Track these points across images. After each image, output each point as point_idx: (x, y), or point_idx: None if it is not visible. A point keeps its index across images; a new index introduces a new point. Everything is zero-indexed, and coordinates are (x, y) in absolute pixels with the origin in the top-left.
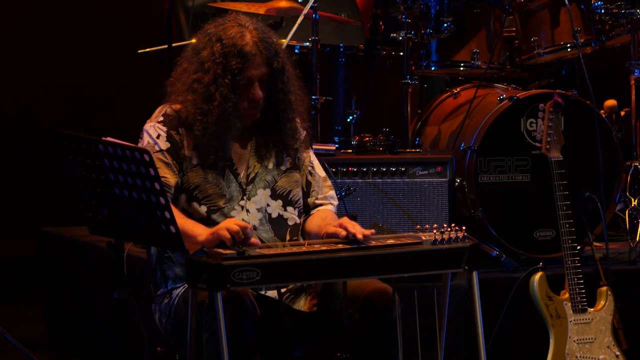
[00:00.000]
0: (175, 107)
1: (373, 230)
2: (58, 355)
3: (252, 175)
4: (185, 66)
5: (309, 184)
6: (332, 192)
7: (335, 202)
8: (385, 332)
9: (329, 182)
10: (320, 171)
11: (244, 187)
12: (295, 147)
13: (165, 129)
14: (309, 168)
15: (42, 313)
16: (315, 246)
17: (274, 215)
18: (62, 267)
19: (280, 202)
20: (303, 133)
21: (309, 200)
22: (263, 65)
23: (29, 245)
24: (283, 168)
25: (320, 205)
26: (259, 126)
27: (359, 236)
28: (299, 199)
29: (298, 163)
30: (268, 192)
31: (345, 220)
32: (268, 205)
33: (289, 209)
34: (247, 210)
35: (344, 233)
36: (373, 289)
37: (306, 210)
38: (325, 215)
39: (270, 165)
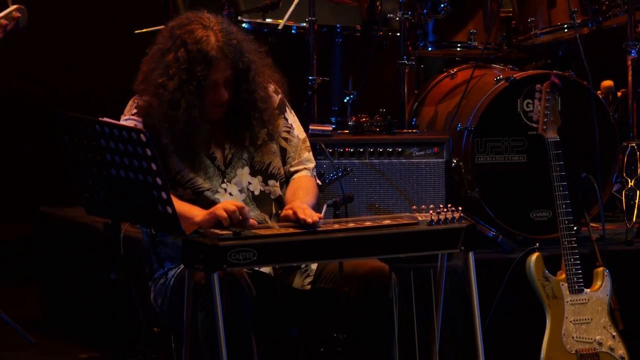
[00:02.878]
0: (145, 99)
1: (321, 215)
2: (55, 335)
3: (229, 156)
4: (151, 66)
5: (283, 151)
6: (308, 154)
7: (311, 165)
8: (381, 311)
9: (307, 143)
10: (300, 132)
11: (223, 169)
12: (271, 121)
13: (140, 119)
14: (284, 133)
15: (40, 294)
16: (275, 230)
17: (257, 192)
18: (59, 247)
19: (260, 177)
20: (277, 99)
21: (285, 168)
22: (228, 68)
23: (27, 226)
24: (259, 142)
25: (296, 172)
26: (229, 115)
27: (309, 220)
28: (279, 170)
29: (273, 132)
30: (247, 170)
31: (295, 205)
32: (250, 183)
33: (270, 182)
34: (230, 193)
35: (293, 217)
36: (370, 268)
37: (286, 179)
38: (297, 186)
39: (246, 142)
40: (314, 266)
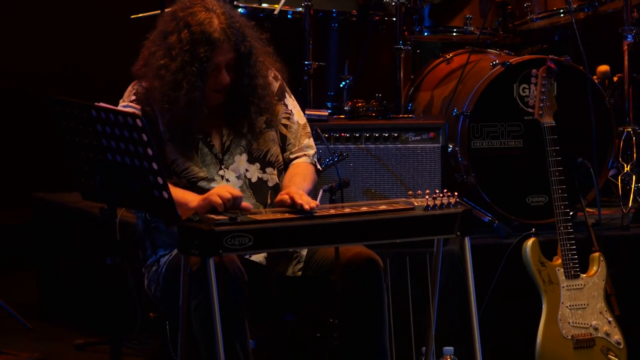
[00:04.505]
0: (145, 85)
1: (317, 202)
2: (51, 321)
3: (227, 143)
4: (153, 50)
5: (283, 138)
6: (308, 140)
7: (311, 151)
8: (368, 299)
9: (308, 129)
10: (300, 118)
11: (220, 157)
12: (270, 109)
13: (139, 107)
14: (284, 120)
15: (36, 279)
16: (270, 215)
17: (254, 179)
18: (55, 233)
19: (257, 165)
20: (276, 85)
21: (285, 155)
22: (230, 50)
23: (24, 212)
24: (258, 129)
25: (296, 158)
26: (228, 100)
27: (306, 207)
28: (277, 157)
29: (272, 119)
30: (245, 157)
31: (292, 190)
32: (247, 170)
33: (268, 169)
34: (227, 180)
35: (289, 201)
36: (354, 255)
37: (286, 166)
38: (294, 172)
39: (245, 129)
40: (304, 252)
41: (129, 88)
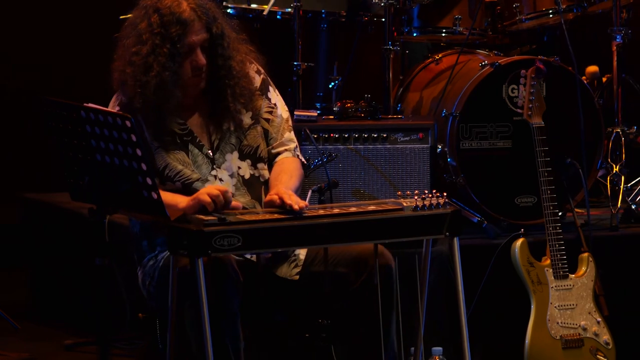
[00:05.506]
0: (125, 90)
1: (307, 203)
2: (41, 321)
3: (217, 142)
4: (124, 42)
5: (266, 132)
6: (289, 134)
7: (293, 144)
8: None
9: (290, 123)
10: (283, 112)
11: (211, 157)
12: (252, 101)
13: None
14: (265, 114)
15: (26, 279)
16: (259, 215)
17: (247, 176)
18: (45, 233)
19: (249, 161)
20: (258, 79)
21: (267, 150)
22: (202, 30)
23: (12, 212)
24: (246, 125)
25: (278, 154)
26: (209, 93)
27: (296, 207)
28: (266, 152)
29: (255, 113)
30: (236, 154)
31: (280, 190)
32: (239, 168)
33: (259, 165)
34: (220, 179)
35: (278, 202)
36: (364, 249)
37: (269, 161)
38: (280, 169)
39: (232, 127)
40: (302, 256)
41: (113, 98)
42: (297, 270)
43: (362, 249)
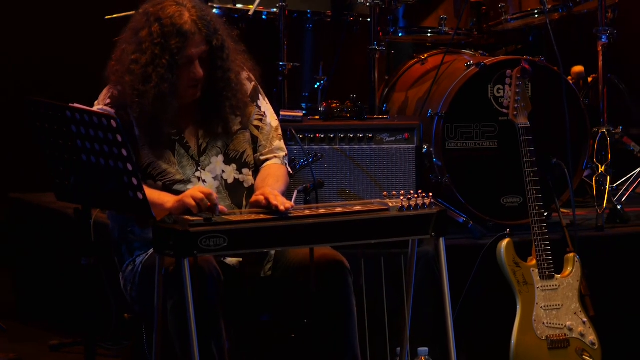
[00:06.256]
0: (119, 88)
1: (292, 203)
2: (26, 321)
3: (204, 145)
4: (124, 47)
5: (255, 139)
6: (279, 142)
7: (282, 153)
8: (335, 301)
9: (280, 132)
10: (272, 120)
11: (197, 158)
12: (242, 108)
13: (113, 110)
14: (255, 121)
15: (11, 280)
16: (245, 216)
17: (230, 180)
18: (30, 234)
19: (234, 165)
20: (250, 86)
21: (256, 157)
22: (202, 43)
23: None
24: (233, 130)
25: (266, 160)
26: (205, 103)
27: (281, 208)
28: (252, 158)
29: (245, 120)
30: (221, 158)
31: (266, 191)
32: (223, 171)
33: (244, 170)
34: (204, 181)
35: (264, 202)
36: (320, 256)
37: (257, 168)
38: (267, 173)
39: (220, 130)
40: (272, 252)
41: (104, 91)
42: (270, 265)
43: (317, 256)
